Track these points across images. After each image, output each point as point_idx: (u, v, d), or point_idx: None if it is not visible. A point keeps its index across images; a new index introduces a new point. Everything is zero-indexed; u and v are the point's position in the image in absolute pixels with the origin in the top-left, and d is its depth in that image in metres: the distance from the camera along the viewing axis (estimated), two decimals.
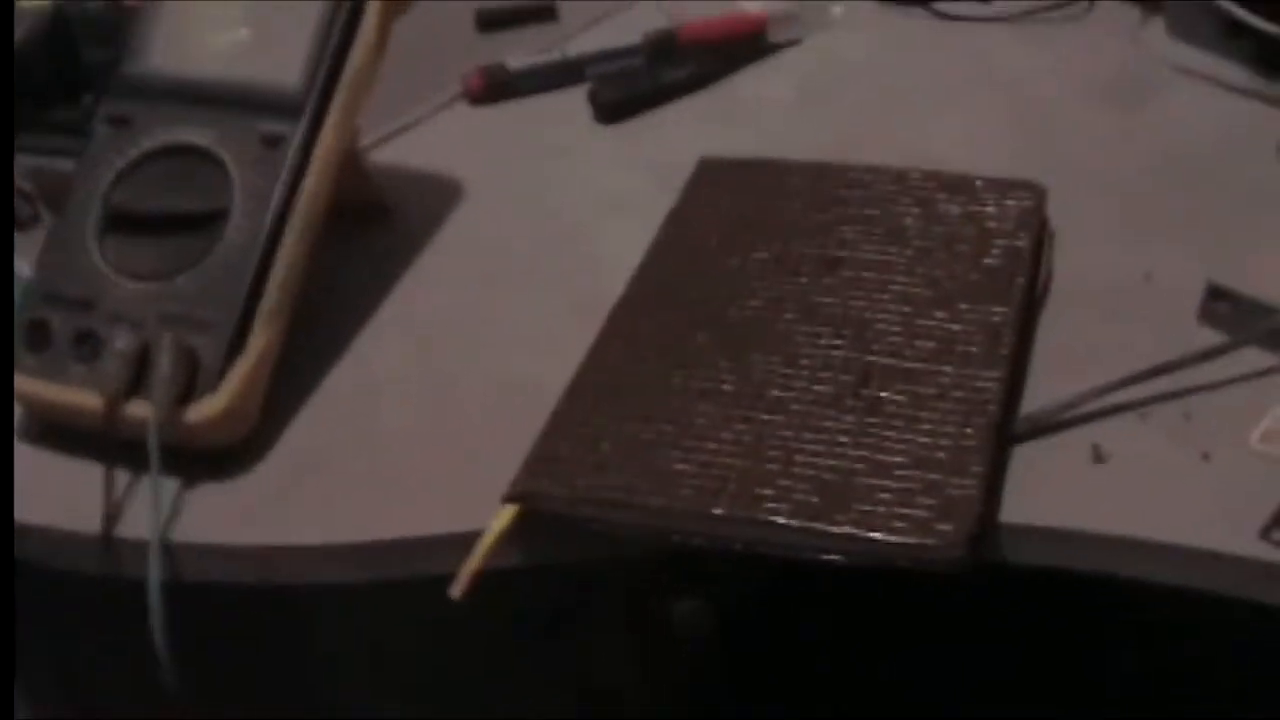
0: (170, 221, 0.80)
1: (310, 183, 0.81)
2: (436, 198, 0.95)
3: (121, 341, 0.77)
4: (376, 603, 0.78)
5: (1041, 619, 0.84)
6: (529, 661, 0.84)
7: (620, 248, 0.87)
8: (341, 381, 0.83)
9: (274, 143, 0.81)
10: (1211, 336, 0.79)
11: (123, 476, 0.77)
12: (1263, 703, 0.85)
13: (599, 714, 0.87)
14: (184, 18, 0.85)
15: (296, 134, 0.81)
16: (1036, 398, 0.77)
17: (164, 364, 0.76)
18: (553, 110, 1.03)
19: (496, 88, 1.04)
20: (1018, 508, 0.72)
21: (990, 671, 0.89)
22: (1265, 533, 0.69)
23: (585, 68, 1.04)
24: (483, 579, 0.71)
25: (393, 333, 0.86)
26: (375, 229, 0.93)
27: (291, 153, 0.81)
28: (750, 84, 1.04)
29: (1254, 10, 0.95)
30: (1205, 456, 0.74)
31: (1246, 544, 0.69)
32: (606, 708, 0.87)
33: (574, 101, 1.03)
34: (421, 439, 0.80)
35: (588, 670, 0.86)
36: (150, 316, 0.78)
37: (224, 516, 0.76)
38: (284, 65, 0.82)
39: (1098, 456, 0.74)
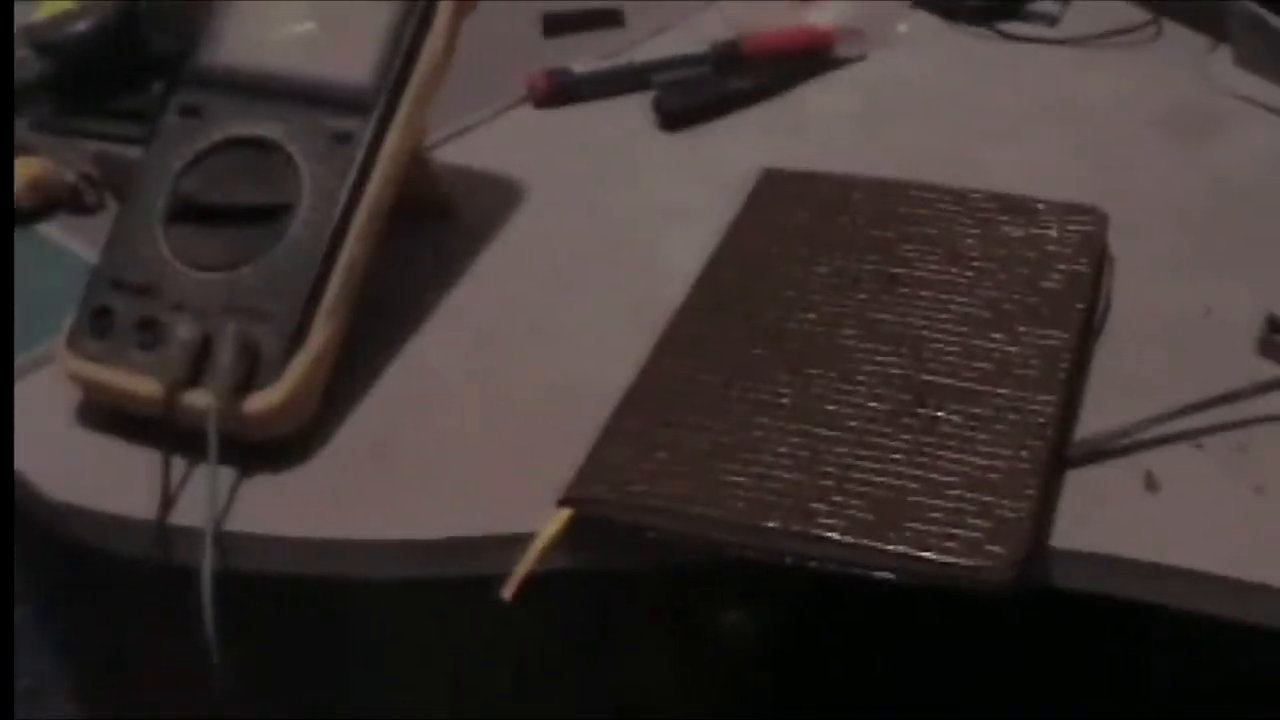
0: (236, 213, 0.81)
1: (377, 180, 0.81)
2: (498, 198, 0.96)
3: (184, 330, 0.78)
4: (426, 601, 0.79)
5: (1092, 641, 0.84)
6: (573, 666, 0.85)
7: (680, 255, 0.88)
8: (400, 378, 0.84)
9: (343, 139, 0.81)
10: (1271, 369, 0.79)
11: (180, 464, 0.77)
12: None
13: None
14: (257, 11, 0.86)
15: (366, 131, 0.81)
16: (1091, 424, 0.77)
17: (225, 354, 0.77)
18: (616, 115, 1.03)
19: (561, 91, 1.04)
20: (1069, 533, 0.72)
21: (1035, 692, 0.89)
22: None
23: (650, 74, 1.04)
24: (534, 582, 0.71)
25: (451, 331, 0.87)
26: (438, 227, 0.93)
27: (360, 150, 0.81)
28: (814, 97, 1.05)
29: None
30: (1258, 489, 0.74)
31: None
32: (646, 715, 0.87)
33: (638, 108, 1.03)
34: (477, 438, 0.80)
35: (630, 677, 0.86)
36: (213, 306, 0.79)
37: (278, 508, 0.77)
38: (355, 62, 0.83)
39: (1150, 484, 0.74)
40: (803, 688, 0.89)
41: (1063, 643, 0.90)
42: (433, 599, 0.79)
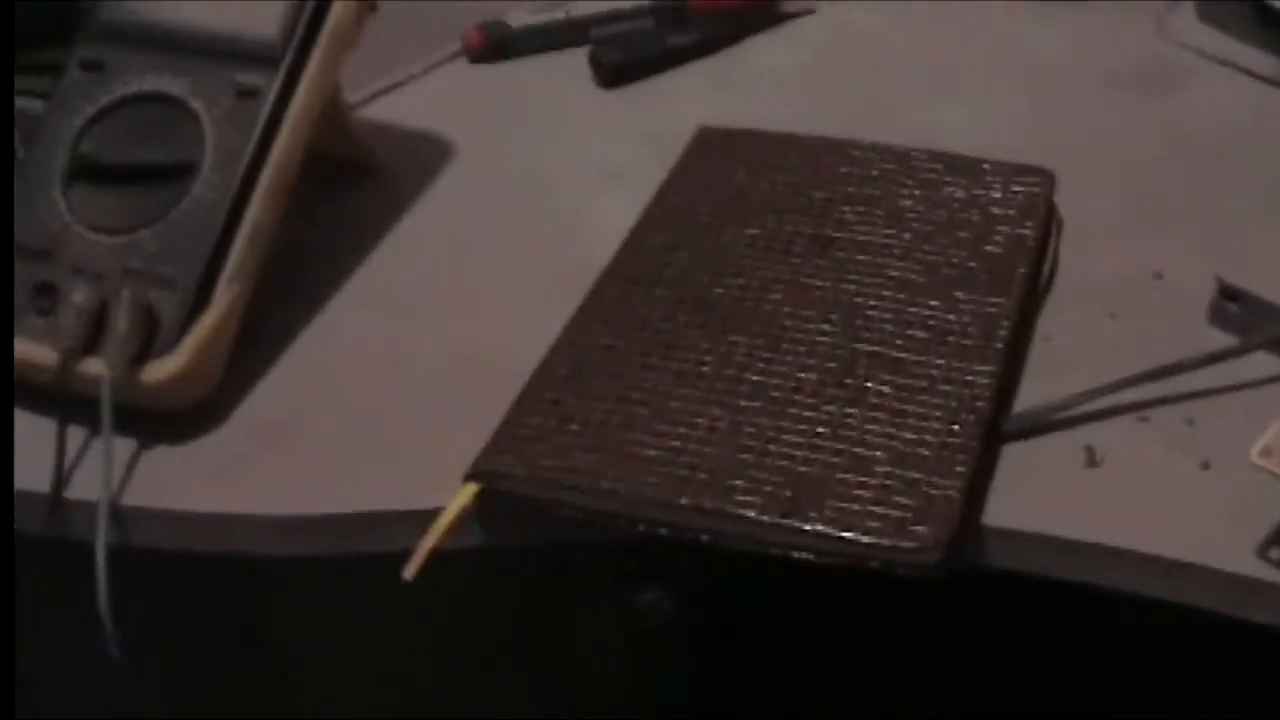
0: (137, 172, 0.78)
1: (284, 138, 0.78)
2: (426, 158, 0.92)
3: (80, 295, 0.75)
4: (332, 578, 0.76)
5: (1025, 621, 0.81)
6: (488, 643, 0.82)
7: (612, 218, 0.84)
8: (309, 347, 0.80)
9: (249, 95, 0.78)
10: (1221, 339, 0.76)
11: (76, 435, 0.74)
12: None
13: (559, 699, 0.85)
14: None
15: (272, 87, 0.78)
16: (1031, 396, 0.74)
17: (120, 321, 0.74)
18: (553, 71, 1.00)
19: (496, 46, 1.00)
20: (1004, 510, 0.69)
21: (965, 670, 0.86)
22: (1262, 550, 0.66)
23: (590, 29, 1.00)
24: (442, 559, 0.68)
25: (367, 298, 0.83)
26: (359, 188, 0.90)
27: (266, 106, 0.78)
28: (760, 53, 1.01)
29: None
30: (1205, 465, 0.71)
31: (1241, 560, 0.66)
32: (566, 693, 0.84)
33: (575, 63, 1.00)
34: (389, 410, 0.77)
35: (549, 655, 0.83)
36: (112, 271, 0.76)
37: (178, 481, 0.74)
38: (263, 15, 0.79)
39: (1091, 460, 0.71)
40: (725, 666, 0.86)
41: (1044, 646, 0.87)
42: (346, 575, 0.76)
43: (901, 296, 0.76)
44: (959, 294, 0.76)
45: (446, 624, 0.80)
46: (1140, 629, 0.79)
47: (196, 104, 0.78)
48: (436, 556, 0.68)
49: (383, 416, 0.76)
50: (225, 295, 0.76)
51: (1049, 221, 0.82)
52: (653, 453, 0.68)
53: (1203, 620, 0.66)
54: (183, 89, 0.79)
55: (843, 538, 0.65)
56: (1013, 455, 0.71)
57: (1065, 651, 0.87)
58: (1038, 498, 0.69)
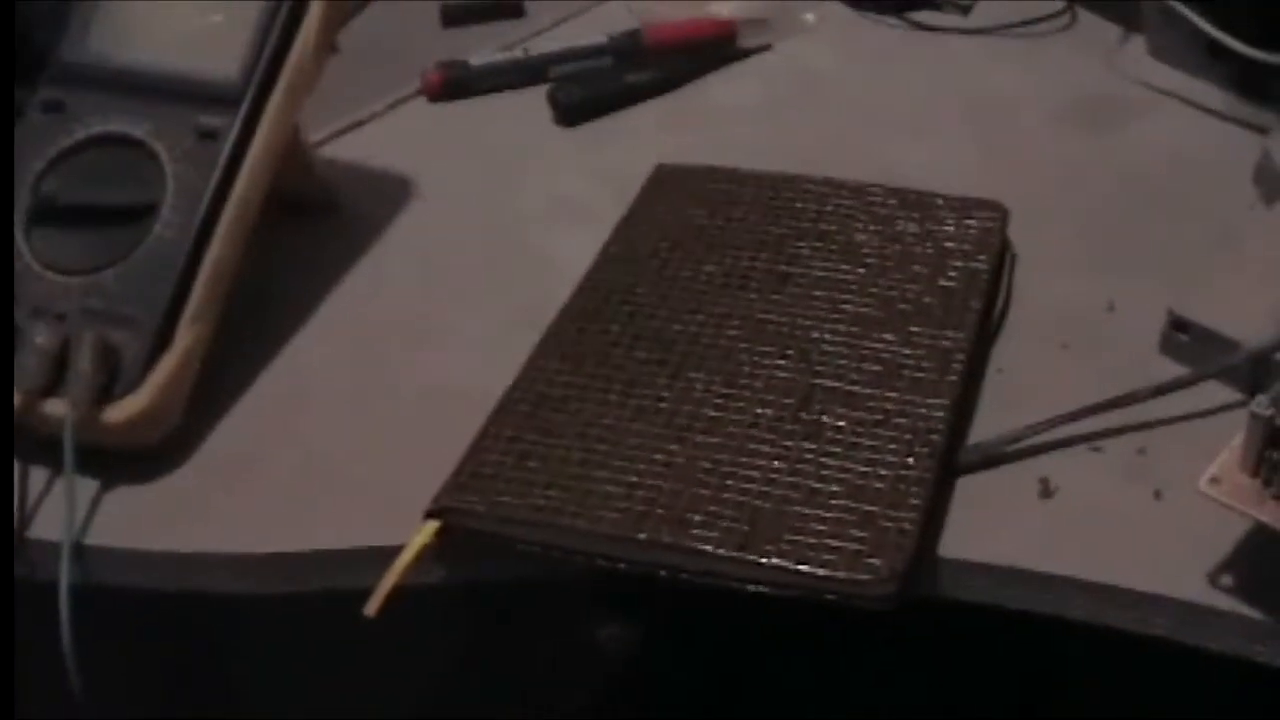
0: (98, 214, 0.78)
1: (244, 179, 0.79)
2: (387, 196, 0.93)
3: (41, 336, 0.75)
4: (295, 615, 0.76)
5: (986, 654, 0.81)
6: (450, 679, 0.82)
7: (572, 255, 0.85)
8: (272, 385, 0.81)
9: (209, 136, 0.79)
10: (1173, 369, 0.77)
11: (39, 476, 0.75)
12: None
13: None
14: (126, 5, 0.83)
15: (232, 129, 0.79)
16: (986, 427, 0.75)
17: (82, 361, 0.74)
18: (513, 110, 1.00)
19: (456, 85, 1.01)
20: (959, 542, 0.70)
21: (925, 702, 0.86)
22: (1214, 578, 0.67)
23: (548, 67, 1.01)
24: (404, 596, 0.68)
25: (329, 335, 0.84)
26: (321, 227, 0.90)
27: (226, 147, 0.78)
28: (717, 90, 1.02)
29: (1235, 32, 0.92)
30: (1157, 495, 0.71)
31: (1194, 588, 0.67)
32: None
33: (536, 102, 1.00)
34: (351, 448, 0.77)
35: (512, 690, 0.83)
36: (73, 311, 0.76)
37: (141, 521, 0.74)
38: (223, 57, 0.80)
39: (1045, 491, 0.72)
40: (688, 698, 0.87)
41: (1004, 679, 0.88)
42: (309, 613, 0.76)
43: (856, 330, 0.77)
44: (914, 328, 0.77)
45: (409, 660, 0.80)
46: (1094, 658, 0.79)
47: (157, 145, 0.79)
48: (398, 593, 0.68)
49: (345, 454, 0.77)
50: (186, 335, 0.76)
51: (1003, 255, 0.83)
52: (611, 488, 0.69)
53: (1157, 648, 0.66)
54: (143, 130, 0.79)
55: (798, 571, 0.65)
56: (967, 487, 0.72)
57: (1021, 679, 0.88)
58: (992, 529, 0.70)
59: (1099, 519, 0.71)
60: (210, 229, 0.77)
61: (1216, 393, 0.75)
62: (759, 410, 0.73)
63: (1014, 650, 0.83)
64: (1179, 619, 0.66)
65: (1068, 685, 0.88)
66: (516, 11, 1.09)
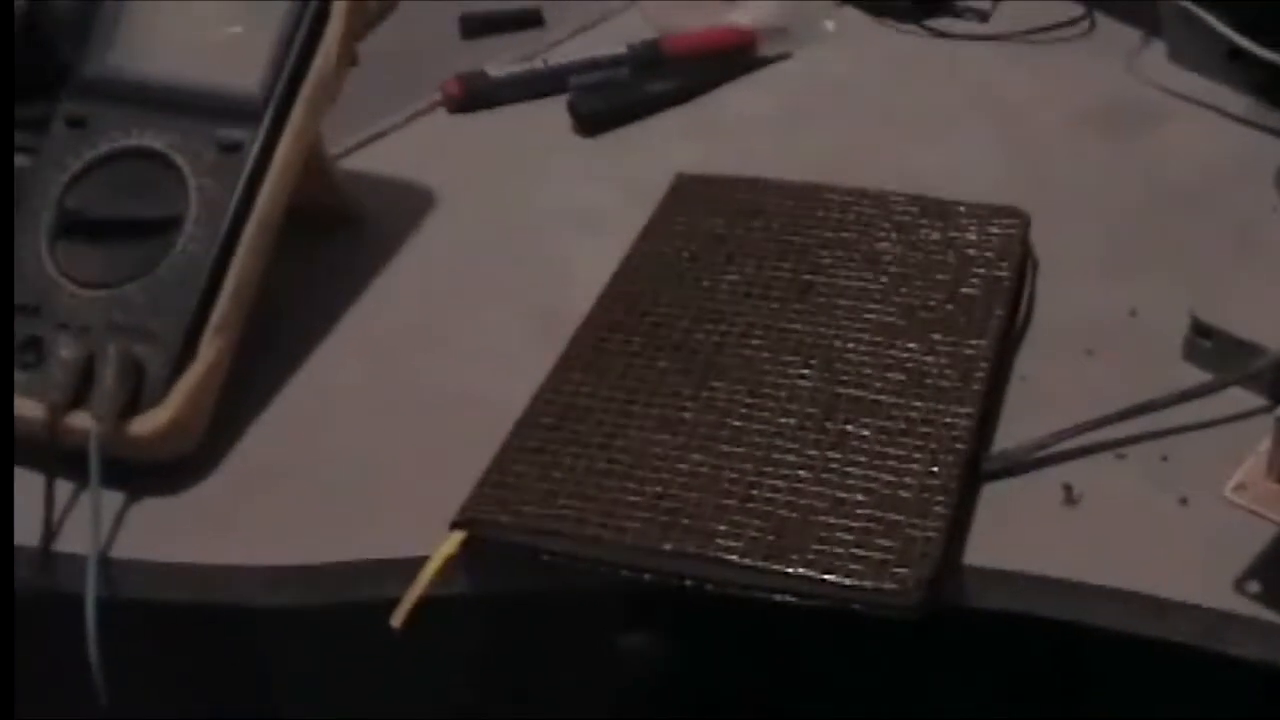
0: (122, 228, 0.78)
1: (267, 191, 0.79)
2: (408, 208, 0.93)
3: (66, 350, 0.75)
4: (320, 626, 0.76)
5: (1012, 661, 0.81)
6: (476, 690, 0.82)
7: (593, 264, 0.85)
8: (296, 396, 0.81)
9: (232, 149, 0.79)
10: (1196, 375, 0.77)
11: (65, 489, 0.75)
12: None
13: None
14: (147, 19, 0.83)
15: (255, 141, 0.79)
16: (1010, 435, 0.75)
17: (107, 375, 0.74)
18: (533, 120, 1.01)
19: (476, 96, 1.01)
20: (984, 549, 0.70)
21: (952, 710, 0.86)
22: (1240, 584, 0.67)
23: (568, 77, 1.01)
24: (429, 607, 0.68)
25: (354, 346, 0.84)
26: (343, 238, 0.90)
27: (249, 160, 0.79)
28: (736, 98, 1.02)
29: (1255, 37, 0.92)
30: (1183, 501, 0.71)
31: (1219, 595, 0.67)
32: None
33: (555, 112, 1.00)
34: (376, 459, 0.77)
35: (537, 700, 0.83)
36: (98, 325, 0.76)
37: (166, 533, 0.74)
38: (245, 70, 0.80)
39: (1069, 498, 0.72)
40: (712, 710, 0.86)
41: (1028, 687, 0.88)
42: (334, 624, 0.76)
43: (880, 340, 0.77)
44: (936, 336, 0.77)
45: (434, 671, 0.80)
46: (1120, 664, 0.79)
47: (180, 159, 0.79)
48: (423, 604, 0.68)
49: (369, 465, 0.77)
50: (210, 348, 0.76)
51: (1024, 262, 0.83)
52: (635, 499, 0.69)
53: (1182, 655, 0.66)
54: (166, 144, 0.79)
55: (824, 580, 0.65)
56: (992, 494, 0.72)
57: (1046, 686, 0.88)
58: (1017, 536, 0.70)
59: (1123, 526, 0.70)
60: (234, 242, 0.78)
61: (1240, 399, 0.75)
62: (783, 420, 0.73)
63: (1040, 657, 0.83)
64: (1204, 626, 0.66)
65: (1094, 692, 0.88)
66: (536, 22, 1.09)
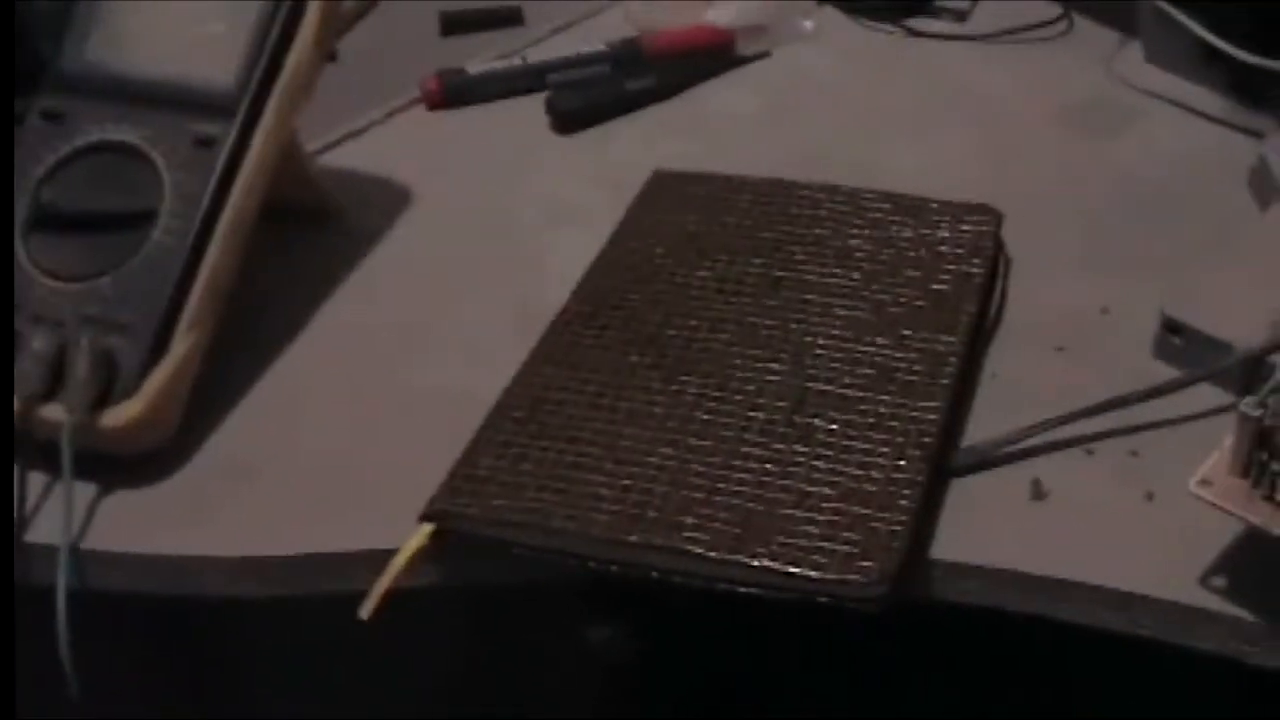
0: (96, 221, 0.78)
1: (241, 186, 0.79)
2: (385, 204, 0.93)
3: (39, 342, 0.75)
4: (292, 618, 0.76)
5: (977, 656, 0.81)
6: (446, 681, 0.82)
7: (569, 261, 0.85)
8: (268, 390, 0.81)
9: (206, 144, 0.79)
10: (1166, 372, 0.77)
11: (37, 480, 0.75)
12: None
13: None
14: (123, 14, 0.83)
15: (229, 136, 0.79)
16: (979, 430, 0.75)
17: (80, 367, 0.74)
18: (512, 118, 1.01)
19: (455, 93, 1.01)
20: (951, 544, 0.70)
21: (921, 705, 0.86)
22: (1206, 579, 0.67)
23: (547, 74, 1.02)
24: (398, 598, 0.68)
25: (327, 341, 0.84)
26: (319, 234, 0.90)
27: (223, 155, 0.79)
28: (715, 97, 1.02)
29: (1230, 38, 0.93)
30: (1149, 496, 0.72)
31: (1186, 590, 0.67)
32: None
33: (534, 109, 1.00)
34: (349, 452, 0.78)
35: (507, 693, 0.84)
36: (71, 318, 0.76)
37: (138, 525, 0.74)
38: (219, 65, 0.81)
39: (1037, 493, 0.72)
40: (684, 702, 0.87)
41: (993, 681, 0.88)
42: (305, 616, 0.76)
43: (850, 335, 0.77)
44: (907, 332, 0.77)
45: (405, 663, 0.81)
46: (1090, 659, 0.79)
47: (155, 153, 0.79)
48: (393, 596, 0.68)
49: (341, 458, 0.77)
50: (183, 341, 0.77)
51: (997, 259, 0.83)
52: (603, 491, 0.69)
53: (1151, 650, 0.67)
54: (141, 138, 0.80)
55: (790, 573, 0.66)
56: (960, 490, 0.72)
57: (1016, 680, 0.88)
58: (984, 531, 0.70)
59: (1091, 521, 0.71)
60: (207, 236, 0.78)
61: (1209, 395, 0.76)
62: (751, 414, 0.73)
63: (1010, 651, 0.83)
64: (1169, 620, 0.67)
65: (1063, 686, 0.88)
66: (515, 20, 1.09)
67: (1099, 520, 0.71)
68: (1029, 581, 0.68)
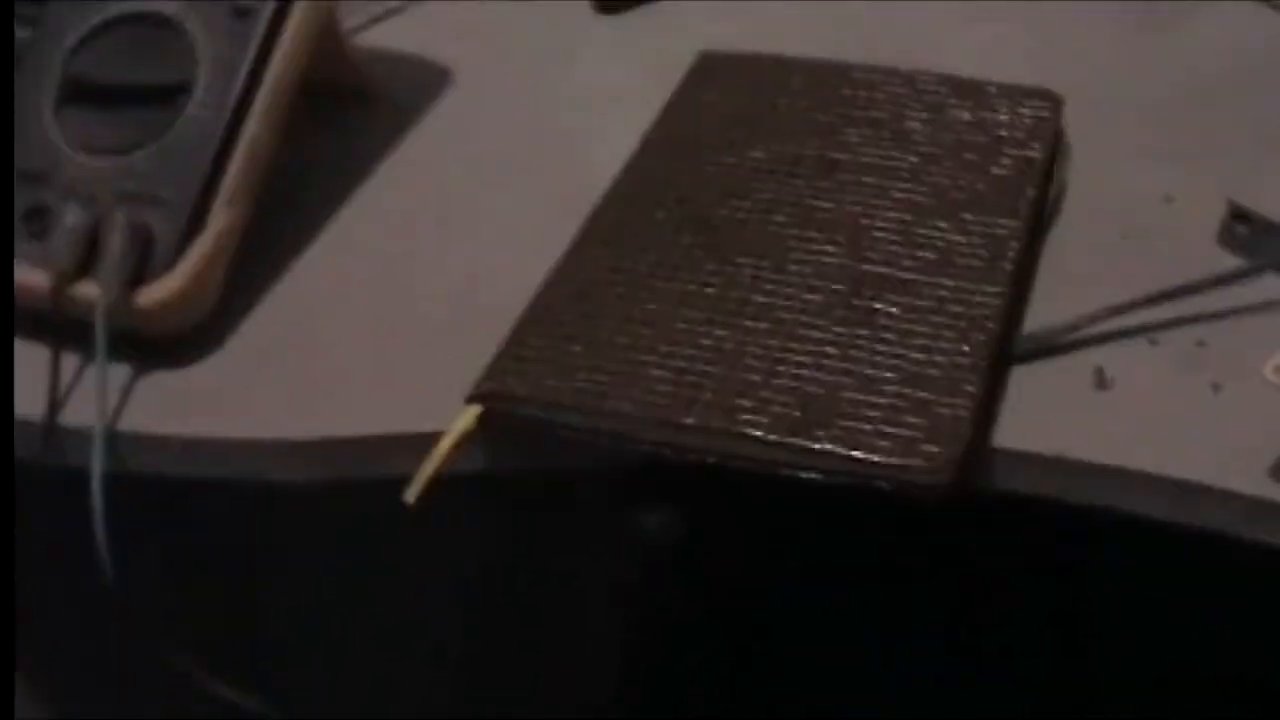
0: (131, 94, 0.76)
1: (280, 58, 0.77)
2: (425, 85, 0.91)
3: (73, 218, 0.73)
4: (333, 503, 0.75)
5: (1036, 547, 0.80)
6: (492, 567, 0.81)
7: (612, 144, 0.83)
8: (308, 271, 0.79)
9: (243, 14, 0.77)
10: (1231, 260, 0.75)
11: (71, 361, 0.73)
12: (1263, 649, 0.81)
13: (561, 627, 0.84)
14: None
15: (267, 5, 0.77)
16: (1040, 318, 0.73)
17: (115, 243, 0.72)
18: None
19: None
20: (1012, 432, 0.68)
21: (971, 601, 0.85)
22: (1275, 471, 0.65)
23: None
24: (444, 483, 0.67)
25: (367, 223, 0.82)
26: (356, 115, 0.88)
27: (261, 25, 0.77)
28: None
29: None
30: (1215, 387, 0.69)
31: (1253, 481, 0.65)
32: (570, 619, 0.84)
33: None
34: (391, 335, 0.76)
35: (554, 578, 0.82)
36: (105, 193, 0.74)
37: (175, 407, 0.73)
38: None
39: (1100, 382, 0.70)
40: (731, 590, 0.85)
41: (1051, 574, 0.86)
42: (346, 501, 0.75)
43: (908, 218, 0.75)
44: (966, 216, 0.75)
45: (449, 551, 0.79)
46: (1136, 560, 0.78)
47: (190, 23, 0.77)
48: (439, 481, 0.66)
49: (383, 341, 0.75)
50: (221, 217, 0.74)
51: (1056, 145, 0.81)
52: (657, 373, 0.67)
53: (1209, 546, 0.65)
54: (175, 9, 0.77)
55: (852, 456, 0.64)
56: (1021, 377, 0.70)
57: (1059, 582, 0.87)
58: (1047, 420, 0.68)
59: (1156, 411, 0.69)
60: (245, 109, 0.76)
61: (1276, 284, 0.74)
62: (808, 296, 0.71)
63: (1053, 553, 0.81)
64: (1238, 513, 0.65)
65: (1106, 591, 0.87)
66: None
67: (1164, 411, 0.69)
68: (1091, 471, 0.67)
